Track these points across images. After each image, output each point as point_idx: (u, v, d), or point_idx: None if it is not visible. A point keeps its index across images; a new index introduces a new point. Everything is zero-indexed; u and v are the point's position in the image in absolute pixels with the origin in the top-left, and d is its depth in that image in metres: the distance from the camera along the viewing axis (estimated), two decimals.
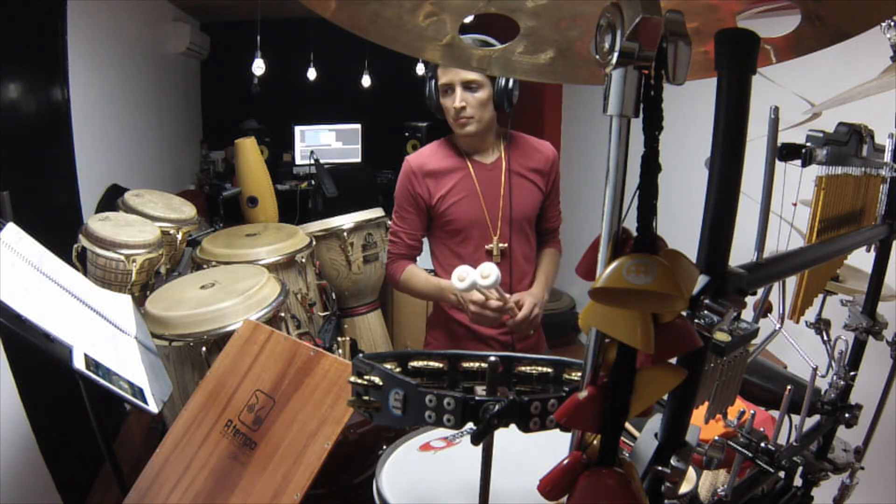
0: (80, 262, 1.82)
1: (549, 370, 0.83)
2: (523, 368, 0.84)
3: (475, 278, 1.39)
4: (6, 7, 2.06)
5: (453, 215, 1.71)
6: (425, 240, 1.86)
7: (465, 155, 1.73)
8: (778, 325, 0.94)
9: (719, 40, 0.50)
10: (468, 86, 1.61)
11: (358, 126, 5.06)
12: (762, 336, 0.82)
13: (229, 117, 4.87)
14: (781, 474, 0.98)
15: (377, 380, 0.69)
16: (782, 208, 0.89)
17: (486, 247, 1.71)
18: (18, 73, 2.19)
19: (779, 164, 0.79)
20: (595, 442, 0.50)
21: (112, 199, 2.31)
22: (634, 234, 0.46)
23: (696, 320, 0.50)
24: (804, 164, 0.83)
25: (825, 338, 1.08)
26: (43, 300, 1.06)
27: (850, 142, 0.86)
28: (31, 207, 1.98)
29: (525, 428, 0.64)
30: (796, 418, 0.98)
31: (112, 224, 1.92)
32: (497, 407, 0.63)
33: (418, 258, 1.83)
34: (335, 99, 5.19)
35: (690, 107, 1.73)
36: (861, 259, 1.07)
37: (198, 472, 1.11)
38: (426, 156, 1.74)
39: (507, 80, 1.64)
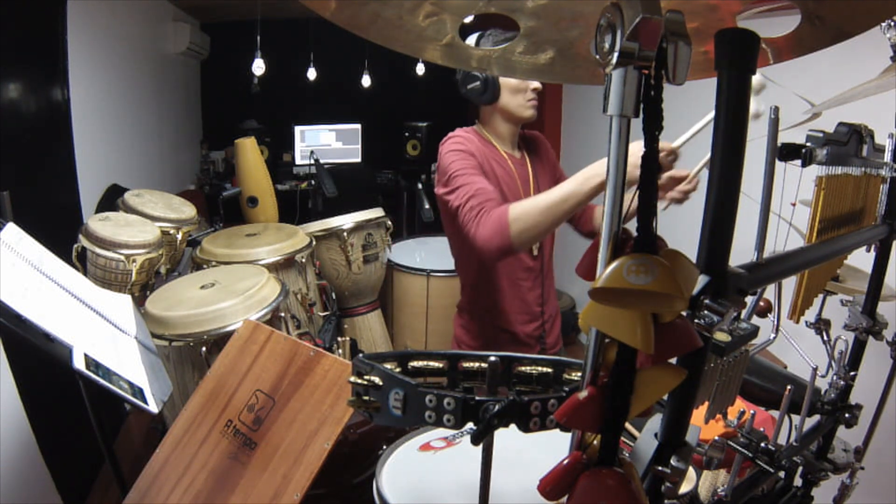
0: (80, 262, 1.82)
1: (549, 370, 0.83)
2: (523, 368, 0.84)
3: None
4: (6, 7, 2.06)
5: None
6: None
7: (498, 149, 1.69)
8: (773, 335, 0.94)
9: (719, 40, 0.50)
10: None
11: (358, 126, 5.06)
12: (762, 336, 0.82)
13: (229, 117, 4.87)
14: (781, 474, 0.98)
15: (377, 380, 0.69)
16: (782, 208, 0.89)
17: None
18: (18, 73, 2.19)
19: (779, 164, 0.79)
20: (595, 442, 0.50)
21: (112, 199, 2.31)
22: (634, 234, 0.46)
23: (696, 320, 0.50)
24: (804, 164, 0.83)
25: (825, 338, 1.08)
26: (43, 300, 1.06)
27: (850, 142, 0.86)
28: (31, 207, 1.98)
29: (525, 428, 0.64)
30: (796, 418, 0.98)
31: (112, 224, 1.91)
32: (497, 407, 0.63)
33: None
34: (335, 99, 5.18)
35: (690, 107, 1.73)
36: (861, 259, 1.07)
37: (198, 472, 1.11)
38: (474, 142, 1.63)
39: None
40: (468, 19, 0.64)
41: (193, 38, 4.49)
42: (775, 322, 0.94)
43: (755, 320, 0.95)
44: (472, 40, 1.42)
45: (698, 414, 0.64)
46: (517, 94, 1.64)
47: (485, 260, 1.52)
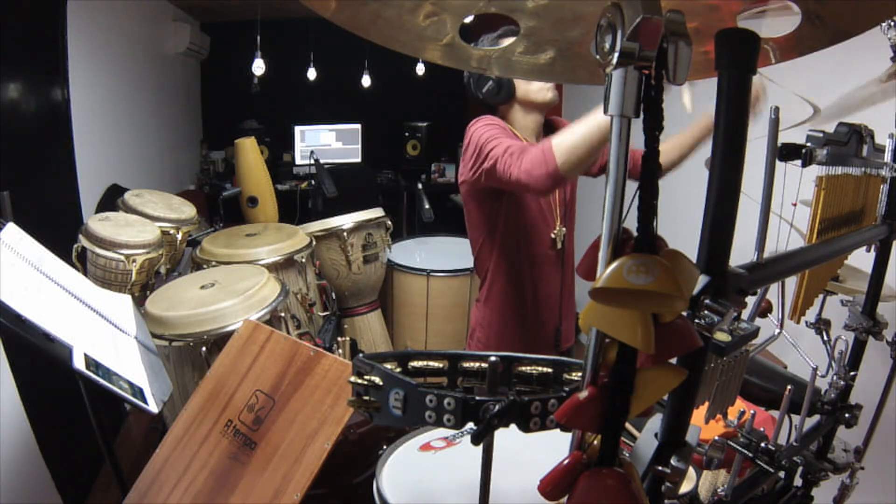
0: (80, 262, 1.82)
1: (549, 370, 0.83)
2: (523, 368, 0.84)
3: None
4: (6, 7, 2.06)
5: (525, 199, 1.64)
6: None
7: (523, 139, 1.67)
8: (777, 330, 0.94)
9: (719, 40, 0.50)
10: None
11: (358, 126, 5.06)
12: (763, 336, 0.82)
13: (229, 117, 4.87)
14: (781, 474, 0.98)
15: (377, 380, 0.69)
16: (782, 208, 0.89)
17: (552, 234, 1.69)
18: (18, 73, 2.19)
19: (779, 164, 0.79)
20: (595, 442, 0.50)
21: (112, 199, 2.31)
22: (635, 234, 0.46)
23: (696, 320, 0.50)
24: (804, 164, 0.83)
25: (825, 338, 1.08)
26: (43, 300, 1.06)
27: (850, 142, 0.86)
28: (31, 207, 1.98)
29: (525, 428, 0.64)
30: (796, 418, 0.98)
31: (112, 224, 1.91)
32: (497, 407, 0.63)
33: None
34: (335, 99, 5.18)
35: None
36: (861, 259, 1.07)
37: (198, 472, 1.11)
38: (501, 124, 1.61)
39: None
40: (468, 19, 0.64)
41: (193, 38, 4.48)
42: (779, 320, 0.94)
43: (755, 320, 0.95)
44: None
45: (698, 414, 0.64)
46: (532, 82, 1.61)
47: (532, 192, 1.49)
